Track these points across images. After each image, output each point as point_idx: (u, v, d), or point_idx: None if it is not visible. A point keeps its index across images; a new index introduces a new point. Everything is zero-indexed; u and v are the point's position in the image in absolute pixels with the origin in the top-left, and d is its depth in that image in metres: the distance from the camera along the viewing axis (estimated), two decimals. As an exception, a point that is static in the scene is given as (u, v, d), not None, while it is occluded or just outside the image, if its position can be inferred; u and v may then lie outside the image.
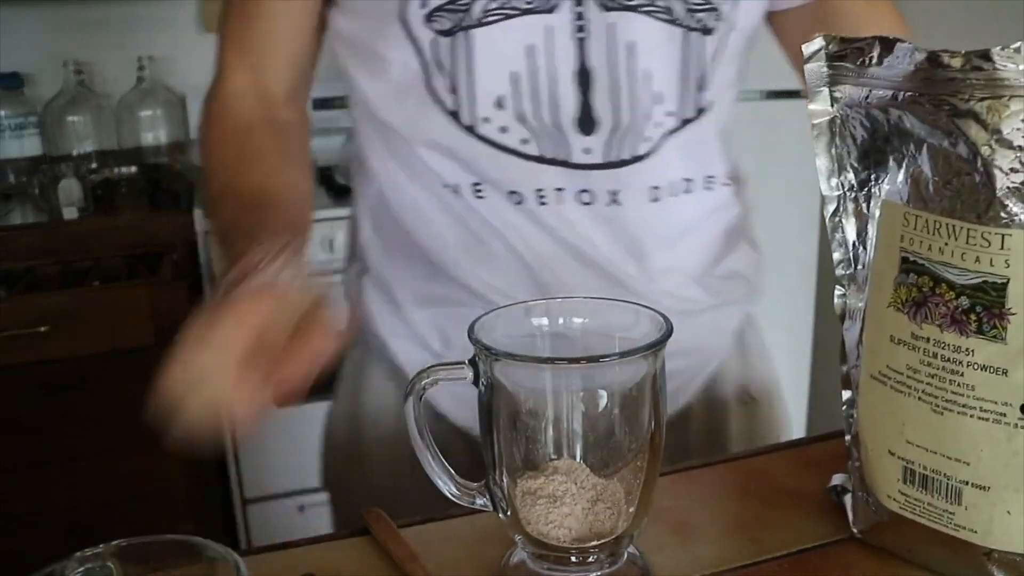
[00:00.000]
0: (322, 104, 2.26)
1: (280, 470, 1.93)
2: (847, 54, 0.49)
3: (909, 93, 0.46)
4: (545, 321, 0.54)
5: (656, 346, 0.48)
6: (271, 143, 0.72)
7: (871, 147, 0.50)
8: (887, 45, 0.47)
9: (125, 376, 1.65)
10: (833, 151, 0.51)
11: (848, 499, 0.56)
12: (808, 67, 0.50)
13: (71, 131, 2.06)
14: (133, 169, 2.04)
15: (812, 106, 0.51)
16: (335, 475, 0.86)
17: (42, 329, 1.56)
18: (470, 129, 0.67)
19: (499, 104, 0.66)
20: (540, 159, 0.67)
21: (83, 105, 2.07)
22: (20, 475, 1.63)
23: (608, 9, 0.64)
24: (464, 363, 0.50)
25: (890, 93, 0.47)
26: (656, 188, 0.69)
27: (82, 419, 1.64)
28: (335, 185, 2.02)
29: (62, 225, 1.78)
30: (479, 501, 0.52)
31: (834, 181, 0.52)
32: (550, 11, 0.63)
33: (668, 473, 0.64)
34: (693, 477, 0.65)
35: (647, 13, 0.64)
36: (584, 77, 0.65)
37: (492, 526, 0.54)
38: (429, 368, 0.50)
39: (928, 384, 0.47)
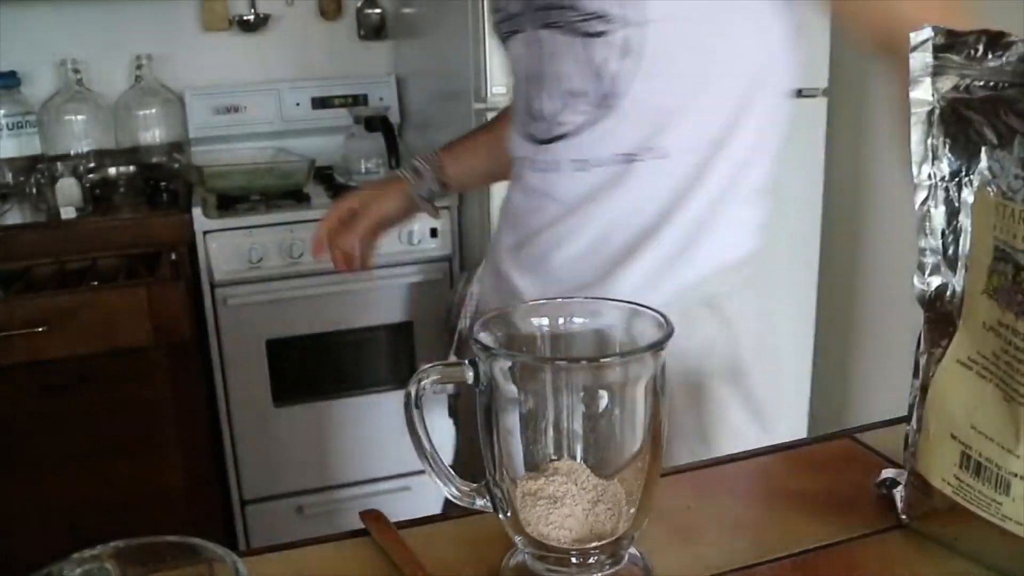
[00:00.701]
0: (321, 103, 2.26)
1: (279, 471, 1.93)
2: (953, 46, 0.50)
3: (1009, 86, 0.48)
4: (545, 321, 0.54)
5: (656, 346, 0.48)
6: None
7: (966, 138, 0.51)
8: (993, 38, 0.49)
9: (124, 376, 1.65)
10: (929, 141, 0.53)
11: (898, 491, 0.58)
12: (913, 56, 0.52)
13: (69, 130, 2.06)
14: (131, 168, 2.03)
15: (913, 94, 0.53)
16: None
17: (40, 329, 1.55)
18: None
19: (508, 96, 0.95)
20: (523, 136, 0.90)
21: (81, 104, 2.07)
22: (18, 475, 1.63)
23: (540, 27, 0.83)
24: (464, 363, 0.50)
25: (990, 85, 0.49)
26: (582, 160, 0.85)
27: (81, 419, 1.64)
28: (335, 184, 2.02)
29: (60, 225, 1.78)
30: (479, 502, 0.52)
31: (926, 170, 0.53)
32: (520, 32, 0.87)
33: (669, 474, 0.63)
34: (694, 478, 0.65)
35: (557, 29, 0.82)
36: (532, 79, 0.87)
37: (492, 527, 0.54)
38: (429, 368, 0.50)
39: (1005, 371, 0.48)
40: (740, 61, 0.83)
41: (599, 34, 0.79)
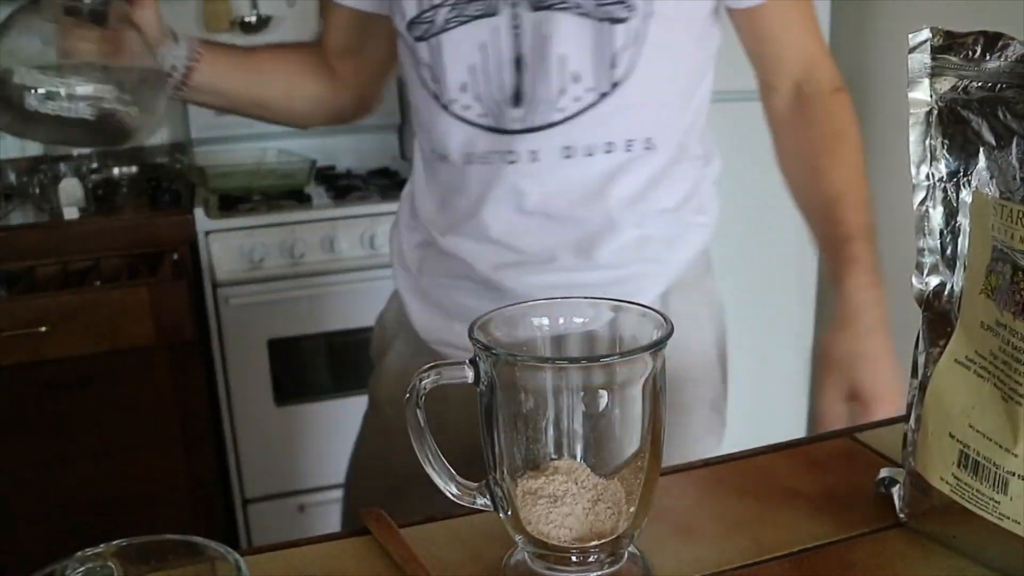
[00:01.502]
0: (322, 104, 2.26)
1: (281, 470, 1.94)
2: (951, 47, 0.51)
3: (1007, 87, 0.48)
4: (545, 321, 0.54)
5: (656, 346, 0.48)
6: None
7: (964, 139, 0.51)
8: (991, 40, 0.49)
9: (126, 376, 1.66)
10: (927, 141, 0.53)
11: (896, 490, 0.58)
12: (911, 57, 0.52)
13: (72, 131, 2.06)
14: (134, 169, 2.04)
15: (912, 95, 0.53)
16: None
17: (42, 329, 1.56)
18: (446, 107, 0.87)
19: (463, 88, 0.86)
20: (492, 128, 0.86)
21: (84, 105, 2.07)
22: (20, 475, 1.64)
23: (536, 9, 0.82)
24: (464, 363, 0.50)
25: (988, 86, 0.49)
26: (568, 148, 0.85)
27: (82, 419, 1.65)
28: (336, 185, 2.02)
29: (63, 225, 1.78)
30: (480, 501, 0.52)
31: (924, 170, 0.53)
32: (494, 15, 0.82)
33: (668, 473, 0.64)
34: (693, 477, 0.65)
35: (563, 10, 0.81)
36: (518, 63, 0.84)
37: (492, 526, 0.54)
38: (429, 368, 0.50)
39: (1002, 370, 0.49)
40: (709, 63, 0.91)
41: (619, 20, 0.81)
